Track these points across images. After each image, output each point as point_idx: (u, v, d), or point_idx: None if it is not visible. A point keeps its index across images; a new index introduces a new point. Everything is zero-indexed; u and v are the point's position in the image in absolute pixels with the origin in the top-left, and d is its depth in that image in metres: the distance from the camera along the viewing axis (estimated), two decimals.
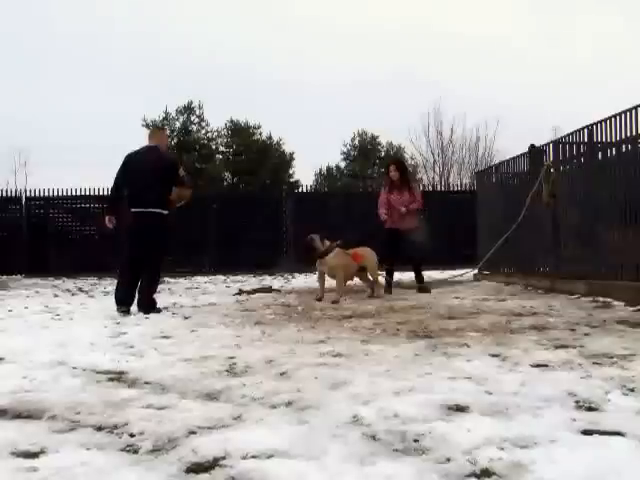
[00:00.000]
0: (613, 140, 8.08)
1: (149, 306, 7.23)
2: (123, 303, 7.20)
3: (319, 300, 8.31)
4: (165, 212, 7.47)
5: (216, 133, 39.37)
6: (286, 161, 39.54)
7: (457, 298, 8.38)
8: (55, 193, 18.88)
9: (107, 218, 7.62)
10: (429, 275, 13.10)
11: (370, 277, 9.02)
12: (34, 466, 2.24)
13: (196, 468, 2.23)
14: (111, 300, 9.27)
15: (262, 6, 55.34)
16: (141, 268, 7.35)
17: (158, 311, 7.20)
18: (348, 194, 22.75)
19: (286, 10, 54.55)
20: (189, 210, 18.46)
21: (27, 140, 46.75)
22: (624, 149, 7.93)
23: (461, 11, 54.00)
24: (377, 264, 9.00)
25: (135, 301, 7.29)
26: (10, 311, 7.74)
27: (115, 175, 7.58)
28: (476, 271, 12.38)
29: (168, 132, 37.43)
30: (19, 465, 2.25)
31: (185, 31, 52.75)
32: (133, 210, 7.35)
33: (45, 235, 18.53)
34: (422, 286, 9.71)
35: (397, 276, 10.42)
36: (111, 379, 3.70)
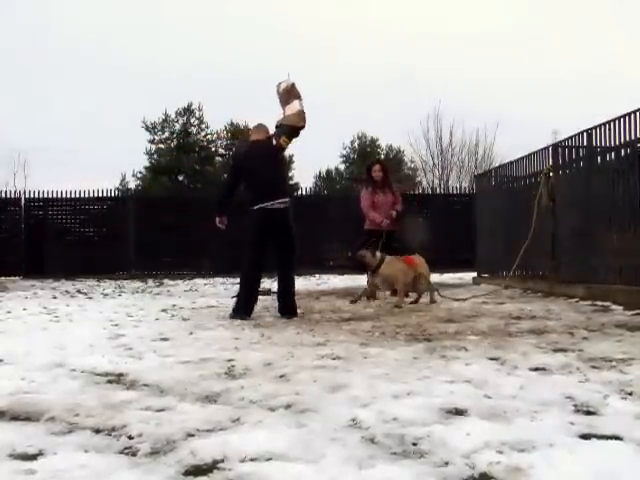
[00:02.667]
0: (612, 144, 8.10)
1: (295, 310, 6.99)
2: (250, 309, 6.91)
3: (354, 302, 8.20)
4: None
5: (216, 135, 39.39)
6: (285, 163, 39.55)
7: (456, 301, 8.38)
8: (54, 194, 18.88)
9: (218, 220, 7.37)
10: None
11: (422, 284, 8.55)
12: (32, 468, 2.23)
13: (195, 471, 2.23)
14: (110, 302, 9.31)
15: (261, 8, 55.42)
16: (280, 269, 7.12)
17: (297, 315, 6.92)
18: (347, 196, 22.72)
19: (285, 11, 54.63)
20: (188, 212, 18.59)
21: (26, 141, 46.77)
22: (623, 153, 7.94)
23: (461, 14, 54.08)
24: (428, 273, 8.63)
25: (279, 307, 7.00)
26: (8, 313, 7.74)
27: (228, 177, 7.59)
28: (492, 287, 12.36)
29: (167, 134, 37.51)
30: (17, 467, 2.25)
31: (185, 32, 52.79)
32: (262, 206, 6.93)
33: (44, 236, 18.52)
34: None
35: None
36: (110, 381, 3.70)
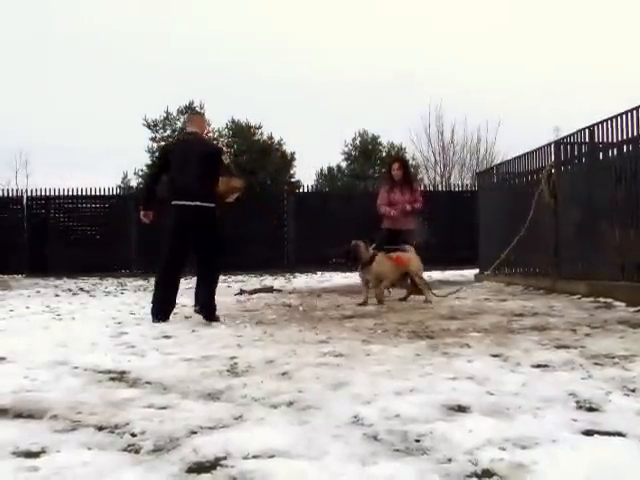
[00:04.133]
0: (614, 140, 8.08)
1: (213, 310, 6.42)
2: (163, 313, 6.40)
3: (364, 304, 7.87)
4: (213, 205, 6.51)
5: (217, 133, 39.29)
6: (287, 161, 39.50)
7: (458, 299, 8.38)
8: (56, 193, 18.90)
9: (143, 213, 6.88)
10: (429, 275, 13.11)
11: (416, 281, 8.56)
12: (35, 466, 2.24)
13: (197, 468, 2.23)
14: (113, 300, 9.33)
15: (263, 5, 55.36)
16: (200, 269, 6.55)
17: (217, 319, 6.35)
18: (349, 194, 22.73)
19: (286, 9, 54.57)
20: None
21: (28, 140, 46.72)
22: (625, 149, 7.93)
23: (462, 11, 53.95)
24: (421, 268, 8.60)
25: (170, 307, 6.48)
26: (11, 311, 7.76)
27: (154, 166, 6.83)
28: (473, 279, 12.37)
29: (169, 132, 37.50)
30: (20, 465, 2.25)
31: (186, 30, 52.73)
32: (177, 203, 6.46)
33: (46, 235, 18.55)
34: (417, 289, 9.44)
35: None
36: (112, 379, 3.70)
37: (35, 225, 18.77)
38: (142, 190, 6.98)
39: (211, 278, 6.53)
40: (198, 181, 6.36)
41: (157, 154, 6.64)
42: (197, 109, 38.30)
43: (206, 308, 6.37)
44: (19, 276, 17.39)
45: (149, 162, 36.95)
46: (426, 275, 10.98)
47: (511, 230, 10.99)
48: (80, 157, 46.46)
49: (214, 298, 6.46)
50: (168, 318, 6.37)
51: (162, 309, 6.38)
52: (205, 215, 6.42)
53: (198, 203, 6.37)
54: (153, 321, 6.25)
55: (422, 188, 16.61)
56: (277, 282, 13.51)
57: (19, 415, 2.92)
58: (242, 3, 54.25)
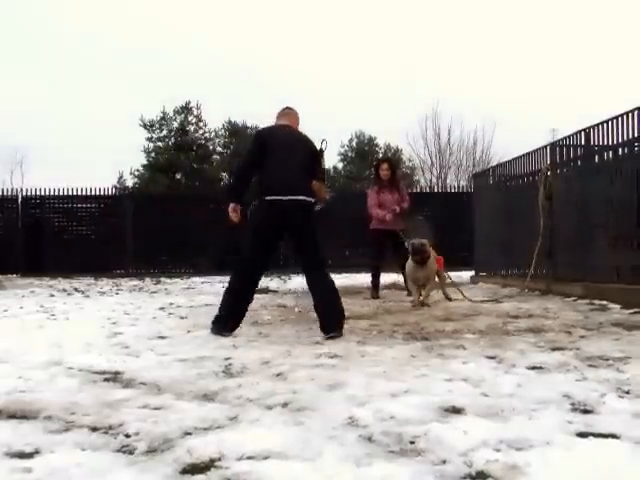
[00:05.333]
0: (610, 143, 8.10)
1: (341, 325, 5.36)
2: (231, 324, 5.46)
3: (421, 304, 7.70)
4: (313, 200, 5.57)
5: (214, 133, 39.30)
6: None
7: (454, 300, 8.38)
8: (51, 192, 18.86)
9: (232, 207, 5.66)
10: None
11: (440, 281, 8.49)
12: (29, 466, 2.23)
13: (191, 469, 2.22)
14: (108, 300, 9.30)
15: (261, 6, 55.36)
16: (312, 279, 5.59)
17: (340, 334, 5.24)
18: (345, 195, 22.71)
19: (283, 11, 54.58)
20: (186, 210, 18.59)
21: (23, 139, 46.68)
22: (621, 152, 7.95)
23: (461, 13, 54.03)
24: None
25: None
26: (5, 311, 7.74)
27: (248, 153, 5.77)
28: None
29: (165, 132, 37.46)
30: (14, 465, 2.24)
31: (183, 31, 52.79)
32: (274, 198, 5.41)
33: (41, 235, 18.50)
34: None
35: (394, 277, 10.43)
36: (107, 379, 3.69)
37: (30, 225, 18.71)
38: (232, 181, 5.95)
39: (329, 284, 5.56)
40: (300, 174, 5.48)
41: (252, 141, 5.28)
42: (194, 109, 38.31)
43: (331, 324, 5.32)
44: (13, 276, 17.34)
45: (145, 162, 36.99)
46: None
47: (507, 232, 11.02)
48: (76, 156, 46.36)
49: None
50: (233, 331, 5.44)
51: (232, 318, 5.49)
52: (308, 211, 5.50)
53: (302, 197, 5.42)
54: (214, 332, 5.36)
55: (417, 189, 16.66)
56: (273, 283, 13.49)
57: (13, 416, 2.91)
58: (239, 3, 54.24)
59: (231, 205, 5.66)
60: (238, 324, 5.52)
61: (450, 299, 8.22)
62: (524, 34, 52.97)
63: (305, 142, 5.76)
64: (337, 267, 16.60)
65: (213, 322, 5.48)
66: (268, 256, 5.69)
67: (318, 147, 5.74)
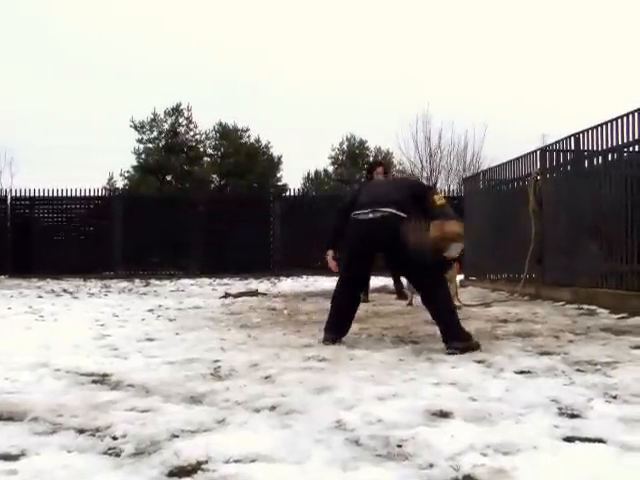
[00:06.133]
0: (599, 148, 8.14)
1: (460, 337, 4.69)
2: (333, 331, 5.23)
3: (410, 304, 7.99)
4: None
5: (204, 135, 39.27)
6: (274, 164, 39.52)
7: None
8: (41, 193, 18.79)
9: (331, 255, 5.68)
10: None
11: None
12: (14, 468, 2.21)
13: (178, 472, 2.22)
14: (96, 301, 9.27)
15: (251, 8, 55.36)
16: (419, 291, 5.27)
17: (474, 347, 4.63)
18: (335, 198, 22.71)
19: (276, 13, 54.62)
20: (176, 212, 18.57)
21: (12, 139, 46.40)
22: (610, 157, 7.99)
23: (451, 18, 54.17)
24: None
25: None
26: None
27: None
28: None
29: (156, 134, 37.37)
30: None
31: (174, 32, 52.71)
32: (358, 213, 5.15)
33: (30, 235, 18.42)
34: (402, 293, 9.48)
35: (385, 281, 10.44)
36: (94, 381, 3.68)
37: (19, 225, 18.64)
38: (332, 228, 5.67)
39: (436, 300, 4.98)
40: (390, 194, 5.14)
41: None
42: (184, 111, 38.29)
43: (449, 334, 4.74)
44: (1, 277, 17.25)
45: (135, 163, 36.93)
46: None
47: (497, 236, 11.05)
48: (66, 157, 46.20)
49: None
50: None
51: (335, 323, 5.29)
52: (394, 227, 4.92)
53: (392, 211, 4.98)
54: (325, 340, 5.10)
55: None
56: (262, 285, 13.49)
57: None
58: (230, 6, 54.24)
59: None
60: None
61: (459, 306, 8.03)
62: (516, 39, 53.27)
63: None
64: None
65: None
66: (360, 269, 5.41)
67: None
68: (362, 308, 7.92)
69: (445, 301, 4.96)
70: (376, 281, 11.83)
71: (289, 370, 3.87)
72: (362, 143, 41.92)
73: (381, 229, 4.97)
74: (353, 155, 41.30)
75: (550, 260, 9.27)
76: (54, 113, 48.89)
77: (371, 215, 5.02)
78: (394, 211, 4.95)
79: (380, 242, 5.03)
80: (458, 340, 4.61)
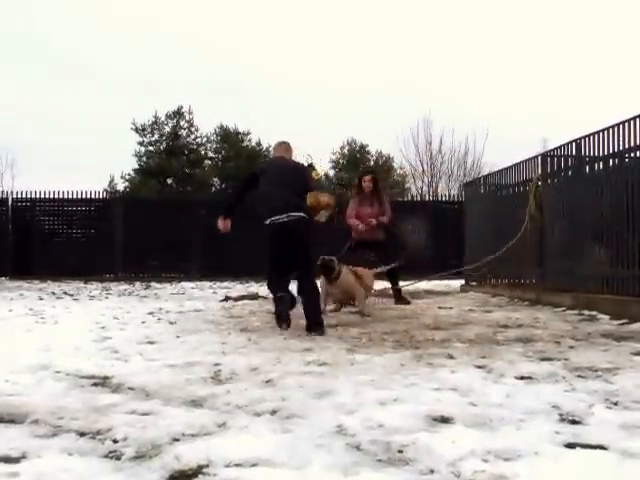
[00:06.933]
0: (601, 154, 8.14)
1: (318, 324, 6.07)
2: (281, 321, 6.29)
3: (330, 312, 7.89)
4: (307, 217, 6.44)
5: (205, 138, 39.25)
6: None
7: (443, 309, 8.39)
8: (42, 195, 18.78)
9: (221, 222, 6.82)
10: (416, 285, 13.12)
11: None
12: (15, 471, 2.22)
13: (179, 475, 2.22)
14: (97, 304, 9.28)
15: (254, 12, 55.45)
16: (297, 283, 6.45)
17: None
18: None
19: (278, 17, 54.67)
20: (176, 214, 18.55)
21: (14, 141, 46.38)
22: (611, 163, 7.99)
23: (452, 23, 54.27)
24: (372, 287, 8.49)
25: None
26: None
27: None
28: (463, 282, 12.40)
29: (157, 137, 37.42)
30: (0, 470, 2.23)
31: (176, 35, 52.71)
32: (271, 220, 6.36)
33: (31, 237, 18.41)
34: (399, 297, 9.52)
35: (383, 285, 10.42)
36: (95, 384, 3.68)
37: (20, 227, 18.62)
38: (227, 202, 7.03)
39: (309, 291, 6.32)
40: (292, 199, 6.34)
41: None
42: (186, 114, 38.31)
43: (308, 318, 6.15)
44: (2, 279, 17.25)
45: (136, 166, 36.94)
46: (412, 285, 11.03)
47: (497, 241, 11.05)
48: (67, 159, 46.21)
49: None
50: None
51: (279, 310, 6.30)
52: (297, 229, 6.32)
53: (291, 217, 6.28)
54: (280, 327, 6.17)
55: (409, 197, 16.66)
56: (263, 289, 13.45)
57: None
58: (232, 9, 54.30)
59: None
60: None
61: (364, 314, 7.75)
62: (516, 45, 53.30)
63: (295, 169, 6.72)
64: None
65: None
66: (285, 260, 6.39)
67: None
68: (360, 312, 7.93)
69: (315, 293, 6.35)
70: (376, 285, 11.84)
71: (290, 374, 3.87)
72: (363, 147, 41.88)
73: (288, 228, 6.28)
74: (354, 159, 41.25)
75: (551, 265, 9.27)
76: (55, 115, 48.89)
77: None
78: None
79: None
80: (319, 328, 5.95)
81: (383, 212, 9.49)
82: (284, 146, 7.10)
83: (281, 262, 6.39)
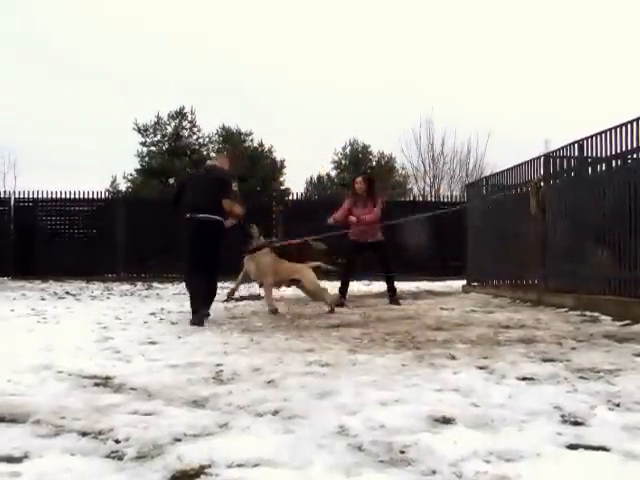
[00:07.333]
0: (604, 155, 8.13)
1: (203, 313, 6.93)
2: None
3: (230, 295, 8.59)
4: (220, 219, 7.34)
5: (207, 139, 39.28)
6: (277, 168, 39.51)
7: (445, 309, 8.39)
8: (44, 195, 18.78)
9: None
10: (417, 286, 13.13)
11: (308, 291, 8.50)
12: (17, 471, 2.22)
13: (181, 476, 2.22)
14: (99, 304, 9.29)
15: (257, 12, 55.49)
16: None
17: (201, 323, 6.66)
18: (337, 202, 22.70)
19: (281, 18, 54.70)
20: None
21: (16, 141, 46.41)
22: (614, 164, 7.98)
23: (455, 24, 54.26)
24: (314, 281, 8.44)
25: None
26: None
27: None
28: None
29: (159, 137, 37.39)
30: (1, 470, 2.24)
31: (178, 35, 52.76)
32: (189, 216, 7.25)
33: (33, 237, 18.41)
34: (393, 298, 9.57)
35: (385, 286, 10.42)
36: (97, 384, 3.68)
37: (22, 227, 18.62)
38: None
39: (209, 282, 7.33)
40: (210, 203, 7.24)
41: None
42: (188, 114, 38.33)
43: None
44: (4, 278, 17.26)
45: (138, 166, 36.96)
46: (414, 286, 11.04)
47: (499, 242, 11.05)
48: (69, 159, 46.26)
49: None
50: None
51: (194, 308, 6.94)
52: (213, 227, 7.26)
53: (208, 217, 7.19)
54: (194, 324, 6.61)
55: (410, 198, 16.62)
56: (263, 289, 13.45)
57: (1, 419, 2.90)
58: (235, 10, 54.32)
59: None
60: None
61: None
62: (519, 45, 53.31)
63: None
64: (327, 274, 16.61)
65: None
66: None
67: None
68: (364, 313, 7.94)
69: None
70: (376, 285, 11.88)
71: (291, 374, 3.87)
72: (365, 148, 41.88)
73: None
74: (356, 160, 41.25)
75: (553, 266, 9.26)
76: (56, 115, 48.95)
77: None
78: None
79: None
80: (206, 312, 7.04)
81: (370, 211, 9.54)
82: (222, 158, 8.30)
83: (196, 258, 7.25)
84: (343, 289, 9.67)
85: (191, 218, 7.18)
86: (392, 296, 9.59)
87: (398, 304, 9.28)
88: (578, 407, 3.06)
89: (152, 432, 2.66)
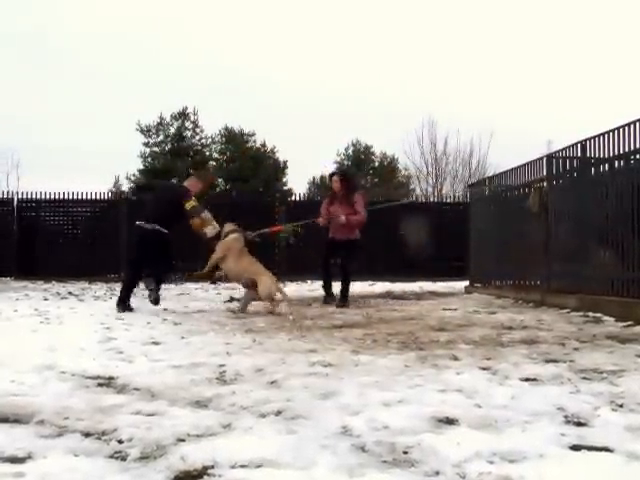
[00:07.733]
0: (606, 156, 8.13)
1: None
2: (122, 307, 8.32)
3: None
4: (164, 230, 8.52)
5: (210, 139, 39.28)
6: (280, 169, 39.52)
7: (448, 310, 8.39)
8: (47, 196, 18.79)
9: None
10: (420, 286, 13.12)
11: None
12: (21, 471, 2.22)
13: (184, 476, 2.22)
14: (102, 304, 9.30)
15: (259, 13, 55.50)
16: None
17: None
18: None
19: (281, 19, 54.72)
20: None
21: (20, 141, 46.49)
22: (617, 165, 7.97)
23: (457, 24, 54.24)
24: (269, 289, 8.22)
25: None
26: None
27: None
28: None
29: (162, 138, 37.41)
30: (5, 470, 2.24)
31: (181, 36, 52.83)
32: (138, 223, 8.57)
33: (36, 238, 18.42)
34: (342, 299, 9.23)
35: (388, 286, 10.43)
36: (100, 384, 3.69)
37: (25, 228, 18.63)
38: None
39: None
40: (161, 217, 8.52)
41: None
42: (191, 115, 38.35)
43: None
44: (7, 279, 17.27)
45: (141, 167, 36.99)
46: (416, 286, 11.03)
47: (502, 243, 11.05)
48: (72, 160, 46.22)
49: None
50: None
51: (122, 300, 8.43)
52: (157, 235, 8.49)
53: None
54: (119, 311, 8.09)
55: (413, 198, 16.59)
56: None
57: (5, 420, 2.90)
58: (237, 10, 54.36)
59: None
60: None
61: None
62: (522, 46, 53.27)
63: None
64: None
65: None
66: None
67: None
68: (367, 313, 7.94)
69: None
70: (379, 286, 11.88)
71: (294, 375, 3.87)
72: (367, 148, 41.89)
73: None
74: (359, 160, 41.25)
75: (555, 267, 9.25)
76: (59, 116, 49.00)
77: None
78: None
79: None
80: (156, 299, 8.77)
81: (356, 212, 9.40)
82: (192, 180, 9.16)
83: (140, 259, 8.67)
84: (327, 287, 9.70)
85: (139, 226, 8.48)
86: (341, 299, 9.22)
87: (346, 307, 8.88)
88: (581, 408, 3.06)
89: (155, 432, 2.66)
